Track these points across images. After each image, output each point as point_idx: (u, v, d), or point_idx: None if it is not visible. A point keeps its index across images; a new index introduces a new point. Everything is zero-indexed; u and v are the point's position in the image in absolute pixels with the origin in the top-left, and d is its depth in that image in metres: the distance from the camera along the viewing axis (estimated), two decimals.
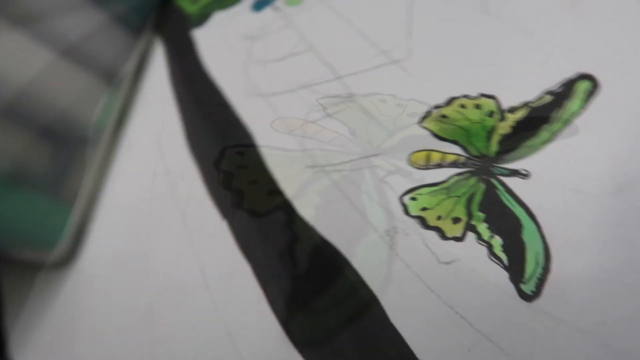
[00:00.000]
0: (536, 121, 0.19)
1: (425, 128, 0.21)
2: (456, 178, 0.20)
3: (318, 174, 0.21)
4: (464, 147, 0.20)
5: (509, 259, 0.18)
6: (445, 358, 0.16)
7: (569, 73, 0.20)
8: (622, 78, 0.19)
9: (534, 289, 0.17)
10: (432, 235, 0.19)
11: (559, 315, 0.16)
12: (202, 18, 0.29)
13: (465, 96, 0.21)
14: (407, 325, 0.17)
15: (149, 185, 0.23)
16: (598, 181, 0.17)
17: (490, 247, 0.18)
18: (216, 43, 0.28)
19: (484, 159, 0.20)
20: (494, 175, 0.19)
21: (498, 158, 0.19)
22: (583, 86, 0.19)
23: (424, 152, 0.21)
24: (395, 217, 0.19)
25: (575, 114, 0.19)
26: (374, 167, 0.21)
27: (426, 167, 0.20)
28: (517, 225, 0.18)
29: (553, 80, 0.20)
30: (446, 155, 0.20)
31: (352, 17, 0.25)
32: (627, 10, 0.20)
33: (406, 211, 0.19)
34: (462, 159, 0.20)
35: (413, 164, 0.21)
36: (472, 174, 0.19)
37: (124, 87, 0.27)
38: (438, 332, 0.17)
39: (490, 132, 0.20)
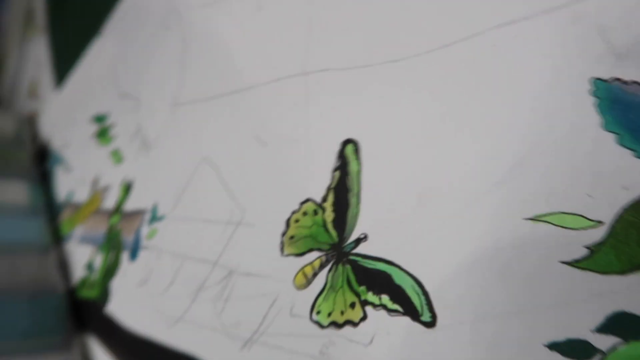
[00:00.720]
0: (343, 195, 0.23)
1: (288, 255, 0.25)
2: (330, 274, 0.23)
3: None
4: (318, 249, 0.24)
5: (401, 305, 0.21)
6: None
7: (335, 146, 0.24)
8: (373, 131, 0.23)
9: (429, 314, 0.20)
10: (348, 329, 0.22)
11: (458, 319, 0.19)
12: (104, 295, 0.33)
13: (293, 212, 0.25)
14: None
15: None
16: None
17: (385, 307, 0.21)
18: (127, 300, 0.32)
19: (335, 247, 0.23)
20: (348, 254, 0.23)
21: (342, 239, 0.23)
22: (349, 149, 0.23)
23: (300, 273, 0.24)
24: (317, 336, 0.23)
25: (359, 172, 0.23)
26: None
27: (309, 282, 0.24)
28: (387, 277, 0.21)
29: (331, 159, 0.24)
30: (313, 263, 0.24)
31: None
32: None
33: (320, 326, 0.23)
34: (323, 258, 0.23)
35: (300, 287, 0.24)
36: (335, 263, 0.23)
37: None
38: None
39: (324, 225, 0.24)
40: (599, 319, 0.16)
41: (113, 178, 0.39)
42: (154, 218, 0.33)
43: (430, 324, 0.20)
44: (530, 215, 0.18)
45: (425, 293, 0.20)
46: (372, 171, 0.23)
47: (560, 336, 0.17)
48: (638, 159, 0.16)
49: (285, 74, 0.27)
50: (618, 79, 0.17)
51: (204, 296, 0.27)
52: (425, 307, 0.20)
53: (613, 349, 0.16)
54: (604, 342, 0.16)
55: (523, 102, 0.19)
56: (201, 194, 0.31)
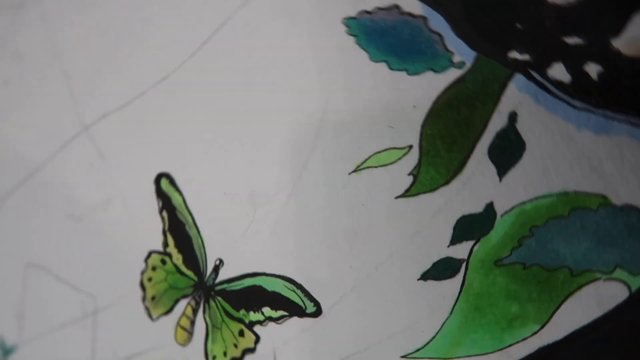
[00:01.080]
0: (180, 232, 0.21)
1: (158, 317, 0.22)
2: (206, 315, 0.21)
3: None
4: (184, 296, 0.22)
5: (285, 309, 0.20)
6: None
7: (150, 184, 0.22)
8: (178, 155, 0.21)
9: (311, 304, 0.19)
10: (249, 358, 0.21)
11: (337, 295, 0.19)
12: None
13: (142, 272, 0.23)
14: None
15: None
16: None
17: (271, 318, 0.20)
18: None
19: (198, 286, 0.21)
20: (213, 287, 0.21)
21: (201, 275, 0.21)
22: (164, 183, 0.22)
23: (178, 329, 0.22)
24: None
25: (183, 201, 0.21)
26: None
27: (191, 333, 0.22)
28: (259, 289, 0.20)
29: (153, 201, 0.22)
30: (185, 313, 0.22)
31: None
32: None
33: None
34: (192, 302, 0.22)
35: (185, 342, 0.22)
36: (206, 301, 0.21)
37: None
38: None
39: (178, 270, 0.22)
40: (447, 232, 0.17)
41: None
42: (5, 352, 0.28)
43: (317, 312, 0.19)
44: (352, 168, 0.18)
45: (300, 286, 0.19)
46: (195, 195, 0.21)
47: (426, 265, 0.17)
48: (412, 76, 0.16)
49: (66, 137, 0.24)
50: (365, 12, 0.17)
51: None
52: (305, 300, 0.19)
53: (470, 252, 0.16)
54: (461, 250, 0.17)
55: (295, 73, 0.18)
56: (44, 301, 0.27)
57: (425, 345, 0.17)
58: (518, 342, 0.16)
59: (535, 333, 0.16)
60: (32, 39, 0.25)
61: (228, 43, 0.19)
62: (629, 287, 0.15)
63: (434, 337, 0.17)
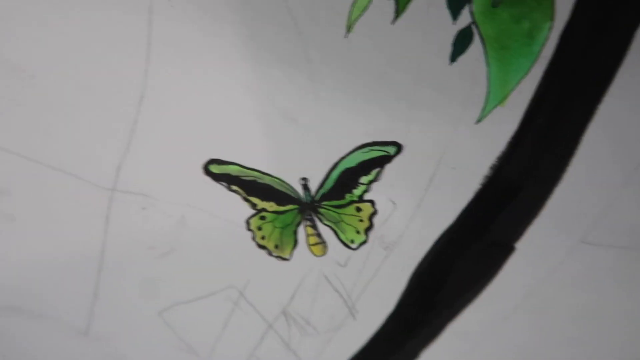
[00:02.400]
0: (255, 187, 0.24)
1: (289, 256, 0.26)
2: (324, 221, 0.25)
3: None
4: (297, 224, 0.25)
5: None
6: None
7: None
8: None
9: (394, 148, 0.23)
10: (376, 225, 0.24)
11: None
12: None
13: (252, 238, 0.25)
14: None
15: None
16: None
17: (364, 184, 0.24)
18: None
19: (301, 207, 0.25)
20: (313, 201, 0.24)
21: (295, 201, 0.24)
22: (214, 167, 0.23)
23: (312, 248, 0.25)
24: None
25: (239, 167, 0.23)
26: None
27: (323, 241, 0.25)
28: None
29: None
30: (307, 232, 0.25)
31: None
32: None
33: (365, 242, 0.25)
34: (307, 223, 0.25)
35: (324, 252, 0.26)
36: (315, 212, 0.25)
37: None
38: None
39: (277, 213, 0.25)
40: (446, 13, 0.19)
41: None
42: None
43: (399, 149, 0.22)
44: (344, 30, 0.20)
45: (372, 143, 0.22)
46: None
47: (448, 48, 0.20)
48: None
49: None
50: None
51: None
52: (385, 148, 0.23)
53: (472, 13, 0.19)
54: (463, 20, 0.19)
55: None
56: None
57: (486, 102, 0.21)
58: (544, 43, 0.20)
59: (550, 30, 0.19)
60: None
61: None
62: None
63: (488, 92, 0.21)
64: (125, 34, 0.19)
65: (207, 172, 0.23)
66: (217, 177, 0.23)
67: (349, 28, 0.19)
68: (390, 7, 0.19)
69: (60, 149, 0.22)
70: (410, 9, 0.19)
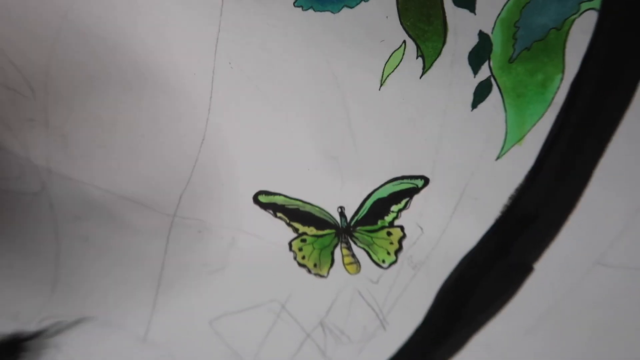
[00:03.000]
0: (297, 215, 0.27)
1: (327, 273, 0.29)
2: (358, 244, 0.28)
3: None
4: (334, 246, 0.28)
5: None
6: None
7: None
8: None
9: (421, 182, 0.25)
10: (405, 245, 0.27)
11: None
12: None
13: (294, 258, 0.29)
14: None
15: None
16: None
17: (398, 211, 0.26)
18: None
19: (338, 232, 0.27)
20: (349, 226, 0.27)
21: (333, 226, 0.27)
22: (263, 198, 0.27)
23: (347, 266, 0.28)
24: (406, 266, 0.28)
25: (285, 197, 0.26)
26: None
27: (357, 261, 0.28)
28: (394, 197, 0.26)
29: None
30: (343, 253, 0.28)
31: None
32: None
33: (394, 261, 0.28)
34: (343, 245, 0.28)
35: (358, 270, 0.29)
36: (350, 236, 0.27)
37: None
38: None
39: (317, 236, 0.28)
40: (468, 69, 0.22)
41: None
42: None
43: (426, 183, 0.25)
44: (378, 84, 0.23)
45: (403, 177, 0.25)
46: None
47: (470, 97, 0.23)
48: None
49: None
50: None
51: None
52: (413, 181, 0.25)
53: (490, 68, 0.22)
54: (483, 73, 0.22)
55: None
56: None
57: (505, 142, 0.24)
58: (556, 92, 0.22)
59: (561, 80, 0.22)
60: None
61: None
62: (596, 10, 0.20)
63: (506, 132, 0.23)
64: (191, 91, 0.23)
65: (256, 201, 0.26)
66: (264, 206, 0.27)
67: (382, 83, 0.22)
68: (419, 65, 0.22)
69: (131, 182, 0.26)
70: (436, 66, 0.22)
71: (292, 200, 0.26)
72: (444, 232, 0.27)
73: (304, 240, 0.28)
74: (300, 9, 0.21)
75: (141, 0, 0.21)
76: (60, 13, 0.21)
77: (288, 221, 0.27)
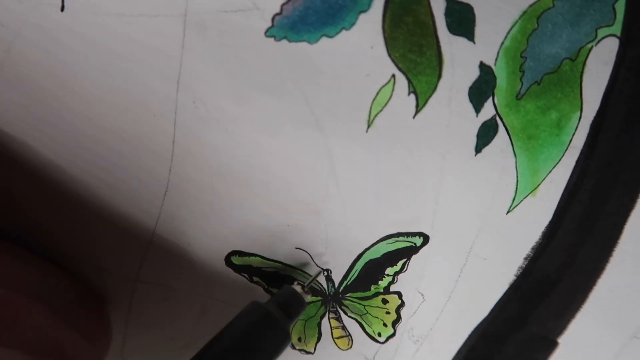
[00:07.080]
0: (277, 277, 0.23)
1: (313, 351, 0.25)
2: (348, 314, 0.24)
3: None
4: (321, 316, 0.24)
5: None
6: None
7: None
8: None
9: (419, 239, 0.22)
10: (404, 315, 0.23)
11: None
12: None
13: None
14: None
15: None
16: None
17: (395, 274, 0.22)
18: None
19: (324, 300, 0.23)
20: (337, 293, 0.23)
21: (320, 293, 0.23)
22: (236, 259, 0.23)
23: (336, 340, 0.24)
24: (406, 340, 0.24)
25: (261, 258, 0.23)
26: None
27: (348, 334, 0.24)
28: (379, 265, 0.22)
29: None
30: (331, 325, 0.24)
31: None
32: None
33: (392, 334, 0.24)
34: (331, 315, 0.24)
35: (348, 346, 0.24)
36: (339, 305, 0.23)
37: None
38: None
39: None
40: (469, 107, 0.19)
41: None
42: None
43: (425, 241, 0.22)
44: (365, 125, 0.19)
45: (397, 234, 0.22)
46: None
47: (472, 140, 0.19)
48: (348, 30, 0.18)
49: None
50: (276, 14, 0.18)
51: None
52: (411, 239, 0.22)
53: (495, 107, 0.19)
54: (487, 112, 0.19)
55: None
56: None
57: (516, 192, 0.20)
58: (574, 133, 0.19)
59: (580, 119, 0.19)
60: None
61: None
62: (616, 36, 0.18)
63: (517, 181, 0.20)
64: (152, 134, 0.20)
65: (229, 263, 0.23)
66: (238, 269, 0.23)
67: (369, 123, 0.19)
68: (411, 103, 0.19)
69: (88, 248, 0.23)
70: (431, 103, 0.19)
71: (270, 262, 0.23)
72: (449, 299, 0.23)
73: None
74: (273, 39, 0.18)
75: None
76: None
77: (266, 287, 0.23)
